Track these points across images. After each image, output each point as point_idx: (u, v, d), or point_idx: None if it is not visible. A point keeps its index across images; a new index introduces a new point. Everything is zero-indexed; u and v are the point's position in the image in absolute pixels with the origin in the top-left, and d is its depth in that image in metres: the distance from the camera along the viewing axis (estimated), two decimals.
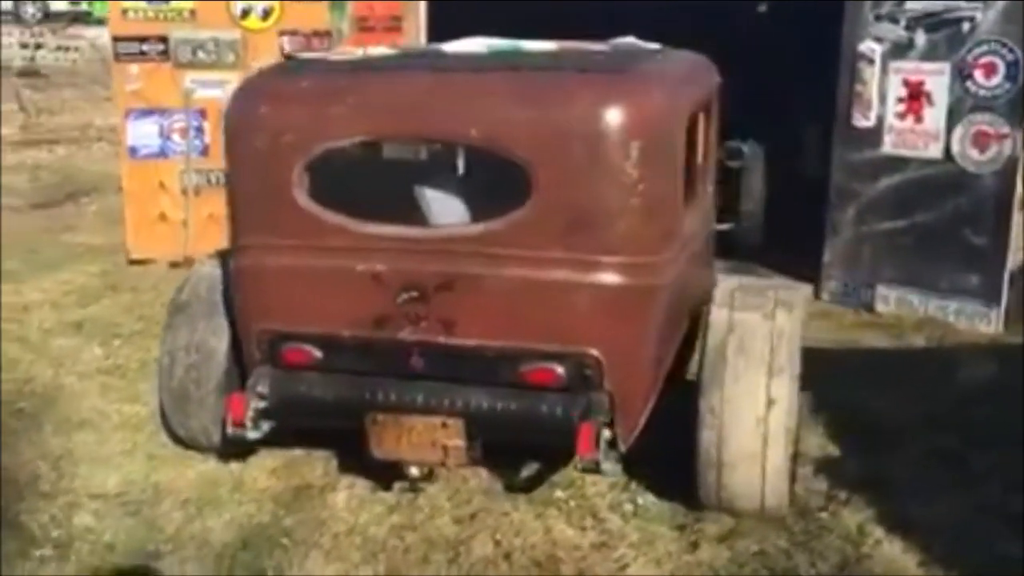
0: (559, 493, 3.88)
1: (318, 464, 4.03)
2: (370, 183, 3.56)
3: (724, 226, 7.04)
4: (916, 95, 5.79)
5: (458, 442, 3.37)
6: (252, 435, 3.51)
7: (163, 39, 6.73)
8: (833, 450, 4.27)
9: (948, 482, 3.94)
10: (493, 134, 3.16)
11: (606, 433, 3.22)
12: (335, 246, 3.37)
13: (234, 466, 4.02)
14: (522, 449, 3.81)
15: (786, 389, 3.42)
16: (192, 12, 6.74)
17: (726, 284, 3.75)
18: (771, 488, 3.47)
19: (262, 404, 3.51)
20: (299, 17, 6.79)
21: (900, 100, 5.85)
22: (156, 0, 6.68)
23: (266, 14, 6.77)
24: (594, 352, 3.23)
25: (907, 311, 6.04)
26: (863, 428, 4.45)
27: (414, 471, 3.53)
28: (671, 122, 3.32)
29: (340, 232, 3.35)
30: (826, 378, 5.00)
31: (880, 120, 5.93)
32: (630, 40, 4.69)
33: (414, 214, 3.71)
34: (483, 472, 3.92)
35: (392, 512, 3.70)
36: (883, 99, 5.89)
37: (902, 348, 5.61)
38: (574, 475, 4.01)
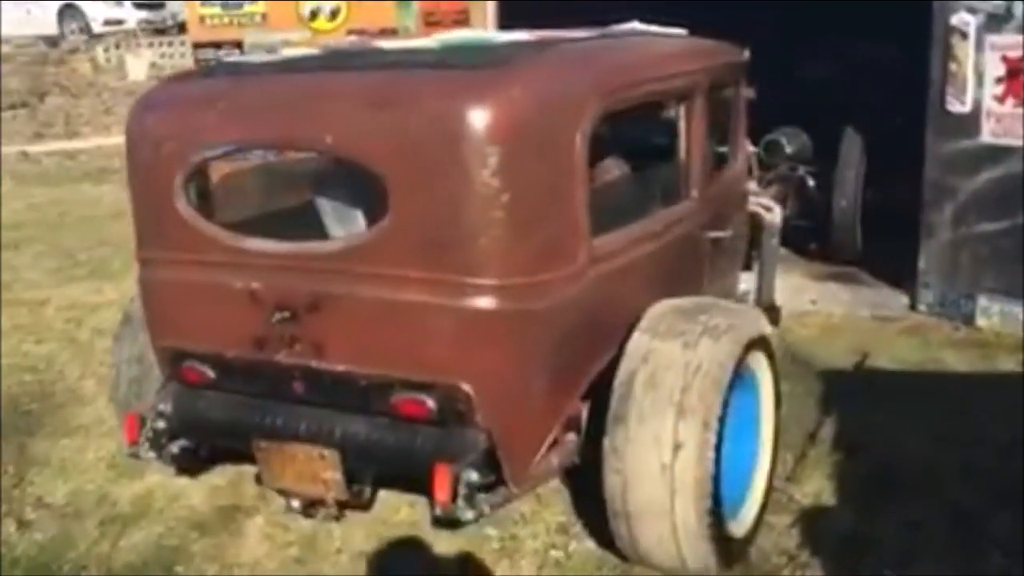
0: (490, 530, 3.52)
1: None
2: (259, 194, 3.35)
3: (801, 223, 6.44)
4: (1016, 74, 4.90)
5: (335, 475, 3.10)
6: (147, 455, 3.39)
7: (238, 44, 6.82)
8: (829, 498, 3.66)
9: (944, 549, 3.25)
10: (345, 141, 2.86)
11: (471, 476, 2.85)
12: (216, 261, 3.18)
13: (183, 481, 3.93)
14: (408, 487, 3.49)
15: (697, 433, 2.90)
16: (264, 15, 6.79)
17: (667, 304, 3.26)
18: (686, 546, 2.97)
19: (162, 423, 3.38)
20: (367, 16, 6.70)
21: (998, 80, 4.97)
22: (231, 5, 6.78)
23: (334, 14, 6.72)
24: (463, 385, 2.86)
25: (1011, 327, 5.16)
26: (881, 473, 3.80)
27: (295, 504, 3.29)
28: (553, 121, 2.88)
29: (219, 246, 3.16)
30: (874, 408, 4.37)
31: (977, 104, 5.07)
32: (631, 26, 4.24)
33: (303, 227, 3.45)
34: (419, 501, 3.64)
35: (293, 545, 3.48)
36: (980, 80, 5.03)
37: (987, 374, 4.77)
38: (524, 509, 3.66)
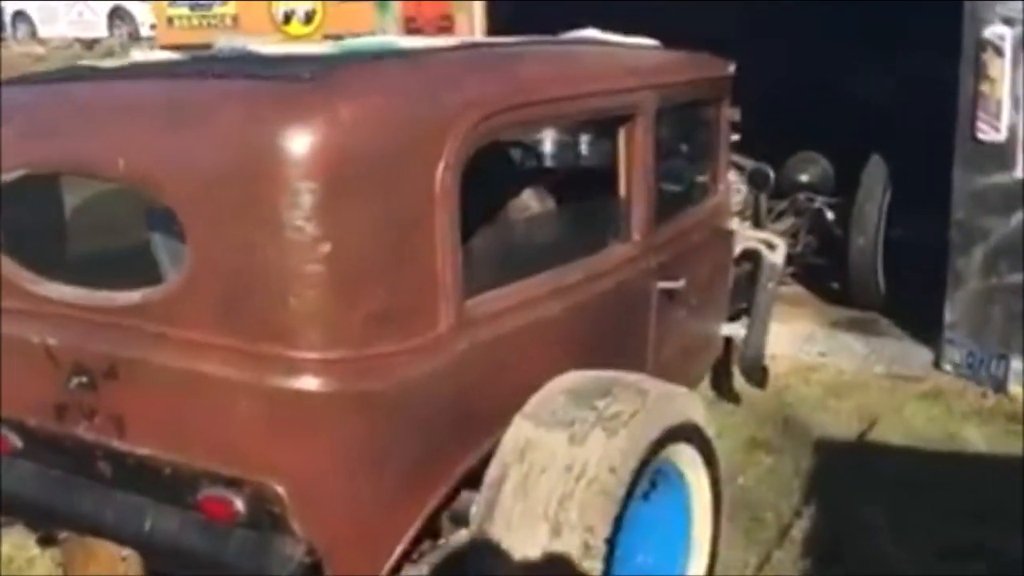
0: None
1: None
2: (93, 228, 2.77)
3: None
4: None
5: None
6: None
7: (207, 47, 6.30)
8: None
9: None
10: (138, 168, 2.25)
11: None
12: (17, 309, 2.60)
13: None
14: None
15: (575, 557, 2.22)
16: (235, 18, 6.27)
17: (563, 381, 2.58)
18: None
19: None
20: (344, 20, 6.13)
21: None
22: (200, 5, 6.28)
23: (309, 17, 6.17)
24: (274, 484, 2.23)
25: None
26: None
27: None
28: (400, 149, 2.22)
29: (18, 290, 2.59)
30: (870, 496, 3.64)
31: (1013, 132, 4.28)
32: (583, 33, 3.59)
33: (132, 271, 2.84)
34: None
35: None
36: (1017, 104, 4.25)
37: (1016, 459, 3.97)
38: None
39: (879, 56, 6.98)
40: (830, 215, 5.68)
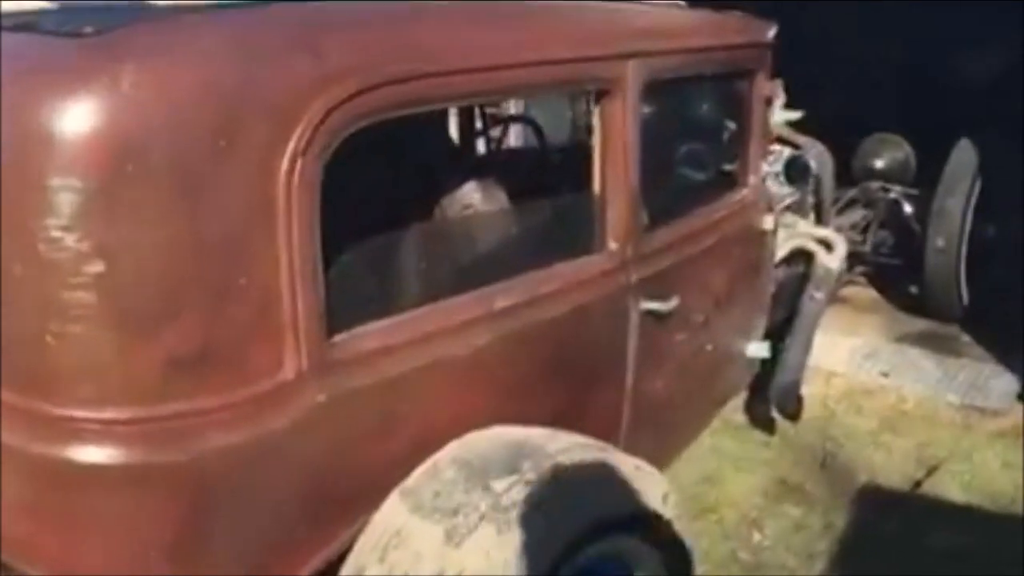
0: None
1: None
2: None
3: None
4: None
5: None
6: None
7: None
8: None
9: None
10: None
11: None
12: None
13: None
14: None
15: None
16: None
17: (468, 442, 1.95)
18: None
19: None
20: None
21: None
22: None
23: None
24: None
25: None
26: None
27: None
28: (223, 134, 1.59)
29: None
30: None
31: None
32: None
33: None
34: None
35: None
36: None
37: None
38: None
39: (982, 32, 6.03)
40: (908, 208, 4.86)
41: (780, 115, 4.25)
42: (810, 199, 4.61)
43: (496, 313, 2.10)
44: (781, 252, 4.07)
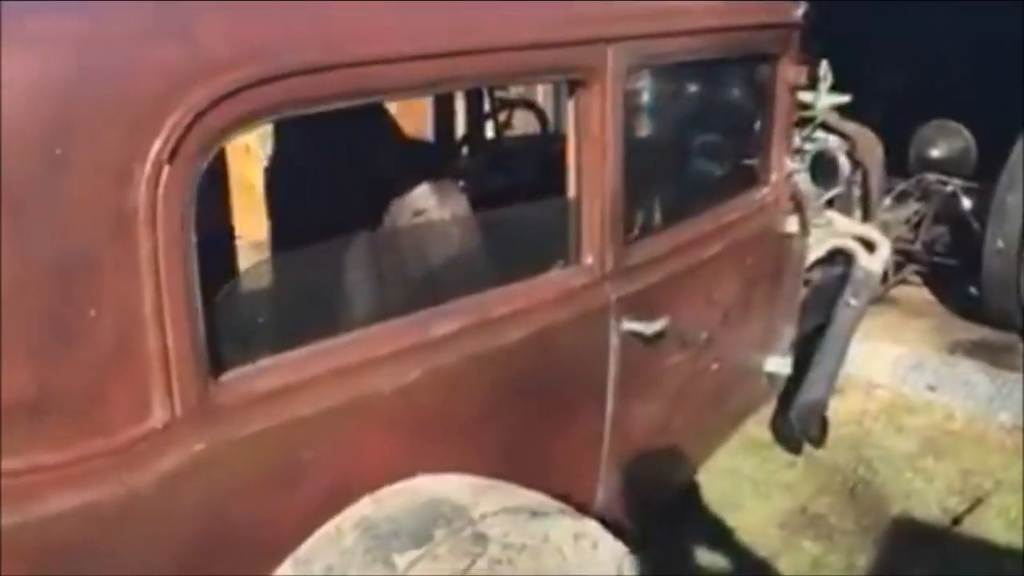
0: None
1: None
2: None
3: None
4: None
5: None
6: None
7: None
8: None
9: None
10: None
11: None
12: None
13: None
14: None
15: None
16: None
17: (382, 497, 1.65)
18: None
19: None
20: None
21: None
22: None
23: None
24: None
25: None
26: None
27: None
28: (51, 140, 1.30)
29: None
30: None
31: None
32: None
33: None
34: None
35: None
36: None
37: None
38: None
39: None
40: (967, 203, 4.42)
41: (826, 98, 3.87)
42: (856, 192, 4.23)
43: (433, 341, 1.81)
44: (816, 252, 3.71)
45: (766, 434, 3.55)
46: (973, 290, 4.43)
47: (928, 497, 3.24)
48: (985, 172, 4.35)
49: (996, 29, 5.22)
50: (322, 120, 1.63)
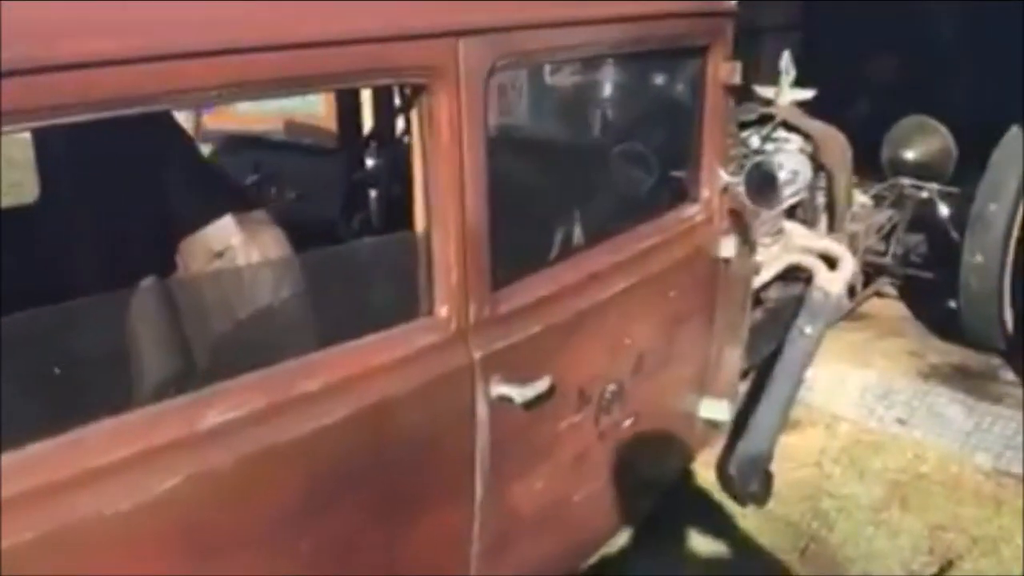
0: None
1: None
2: None
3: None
4: None
5: None
6: None
7: None
8: None
9: None
10: None
11: None
12: None
13: None
14: None
15: None
16: None
17: None
18: None
19: None
20: None
21: None
22: None
23: None
24: None
25: None
26: None
27: None
28: None
29: None
30: None
31: None
32: None
33: None
34: None
35: None
36: None
37: None
38: None
39: None
40: (944, 210, 3.98)
41: (788, 94, 3.44)
42: (820, 199, 3.80)
43: (204, 434, 1.36)
44: (771, 271, 3.29)
45: (712, 476, 3.12)
46: (952, 304, 3.99)
47: (891, 558, 2.80)
48: (964, 176, 3.91)
49: (988, 24, 4.80)
50: (87, 138, 1.19)
